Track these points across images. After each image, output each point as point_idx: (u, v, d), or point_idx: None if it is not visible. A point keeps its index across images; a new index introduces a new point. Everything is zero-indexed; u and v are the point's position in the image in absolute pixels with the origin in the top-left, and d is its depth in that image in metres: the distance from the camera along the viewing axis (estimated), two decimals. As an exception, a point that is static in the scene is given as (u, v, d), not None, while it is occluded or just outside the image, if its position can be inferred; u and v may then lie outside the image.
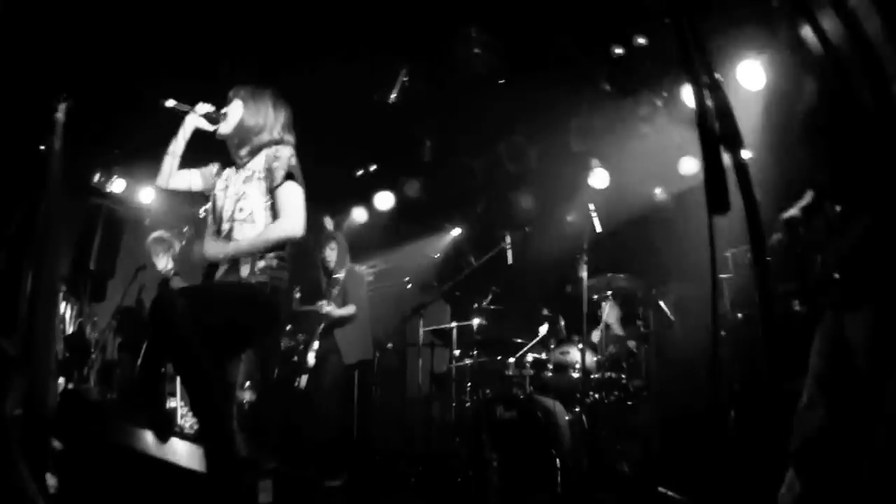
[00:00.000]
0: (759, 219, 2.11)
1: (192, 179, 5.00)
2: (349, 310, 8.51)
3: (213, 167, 5.04)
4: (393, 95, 8.24)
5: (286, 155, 4.59)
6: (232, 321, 4.47)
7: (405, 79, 8.26)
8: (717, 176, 2.20)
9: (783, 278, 5.83)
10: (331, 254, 8.67)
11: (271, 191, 4.55)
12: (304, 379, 8.13)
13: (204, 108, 4.78)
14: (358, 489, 7.68)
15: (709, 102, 2.36)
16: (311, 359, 8.12)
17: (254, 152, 4.75)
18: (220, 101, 4.88)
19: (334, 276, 8.52)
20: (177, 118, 4.83)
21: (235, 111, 4.78)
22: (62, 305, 9.16)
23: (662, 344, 7.91)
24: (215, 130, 4.80)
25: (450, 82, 8.26)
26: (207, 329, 4.25)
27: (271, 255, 4.53)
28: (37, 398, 3.32)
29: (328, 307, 8.31)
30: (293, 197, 4.51)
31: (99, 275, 9.77)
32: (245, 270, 4.48)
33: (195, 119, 4.79)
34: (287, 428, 8.36)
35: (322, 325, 8.30)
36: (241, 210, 4.60)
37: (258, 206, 4.59)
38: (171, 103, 4.75)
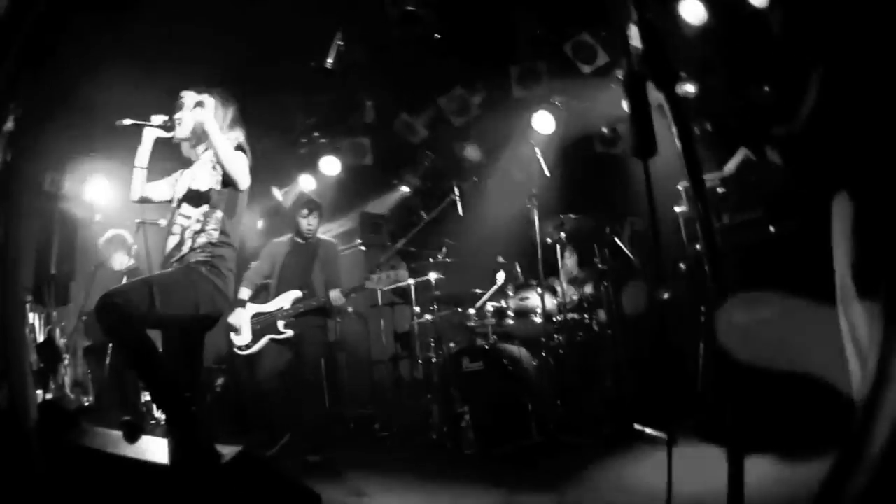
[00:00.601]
0: (695, 154, 2.10)
1: (161, 189, 5.24)
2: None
3: (178, 174, 5.27)
4: (329, 61, 8.14)
5: (232, 136, 4.96)
6: (178, 310, 4.57)
7: (340, 43, 8.17)
8: (642, 120, 2.20)
9: (743, 207, 5.91)
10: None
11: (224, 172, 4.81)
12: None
13: (158, 118, 5.05)
14: (335, 459, 7.68)
15: (638, 42, 2.35)
16: (280, 326, 7.97)
17: (207, 148, 5.04)
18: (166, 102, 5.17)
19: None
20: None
21: (187, 116, 5.04)
22: (29, 315, 9.05)
23: (621, 281, 7.97)
24: (172, 136, 5.09)
25: (385, 42, 8.18)
26: (158, 321, 4.51)
27: (213, 229, 4.78)
28: (18, 413, 3.29)
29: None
30: (242, 161, 4.87)
31: (61, 278, 9.63)
32: (186, 248, 4.73)
33: (152, 131, 5.04)
34: (264, 406, 8.29)
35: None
36: (190, 187, 4.92)
37: (204, 180, 4.91)
38: (126, 122, 5.00)
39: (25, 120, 3.99)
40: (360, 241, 10.85)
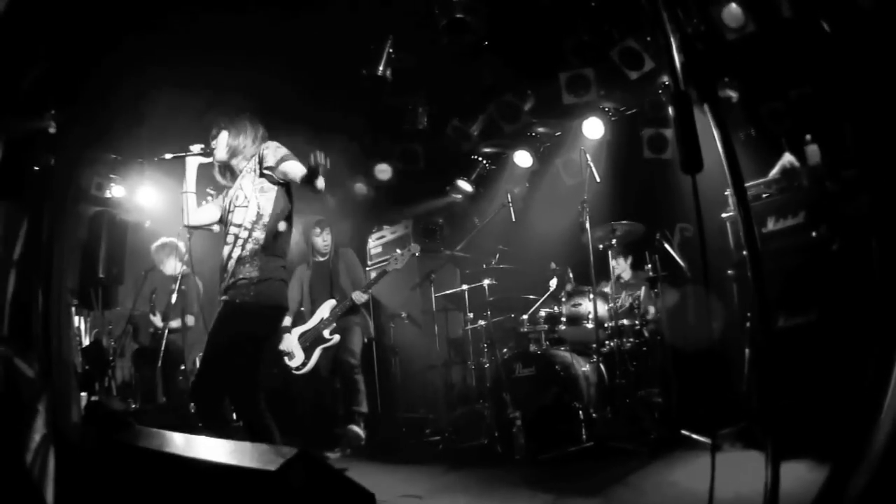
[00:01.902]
0: (738, 165, 2.15)
1: (211, 211, 5.60)
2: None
3: (223, 194, 5.63)
4: (380, 68, 8.23)
5: (273, 145, 5.27)
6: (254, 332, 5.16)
7: (390, 50, 8.26)
8: (689, 137, 2.24)
9: (785, 213, 5.89)
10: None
11: (265, 171, 5.20)
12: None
13: (197, 147, 5.52)
14: (387, 462, 7.77)
15: (681, 55, 2.39)
16: (326, 334, 8.23)
17: (243, 154, 5.45)
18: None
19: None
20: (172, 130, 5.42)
21: (222, 139, 5.42)
22: (75, 318, 9.22)
23: (674, 287, 7.95)
24: (212, 161, 5.50)
25: (435, 49, 8.24)
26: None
27: (261, 235, 5.14)
28: (60, 415, 3.37)
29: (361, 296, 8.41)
30: (294, 165, 5.08)
31: (108, 282, 9.78)
32: (235, 256, 5.14)
33: (194, 159, 5.50)
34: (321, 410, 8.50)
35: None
36: (237, 198, 5.24)
37: (250, 191, 5.19)
38: (168, 156, 5.55)
39: (68, 125, 4.10)
40: (414, 245, 10.91)
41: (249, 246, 5.09)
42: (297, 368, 8.33)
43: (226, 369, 4.99)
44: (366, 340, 8.76)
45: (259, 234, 5.11)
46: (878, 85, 2.90)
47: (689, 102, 2.35)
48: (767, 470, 2.19)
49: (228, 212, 5.29)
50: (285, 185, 5.27)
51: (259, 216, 5.13)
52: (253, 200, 5.15)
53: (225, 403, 5.39)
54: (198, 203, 5.58)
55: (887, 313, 2.60)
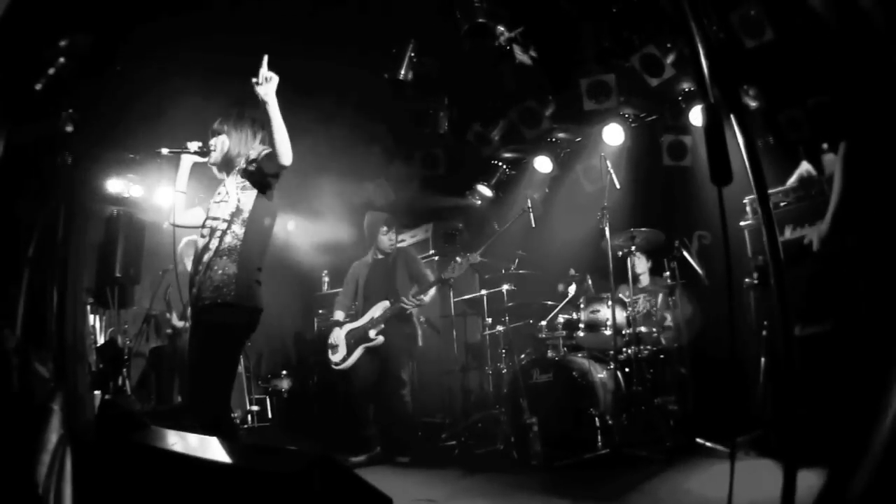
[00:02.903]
0: (762, 175, 2.14)
1: (199, 214, 5.56)
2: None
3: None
4: (402, 72, 8.26)
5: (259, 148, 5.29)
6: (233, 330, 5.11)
7: (412, 54, 8.28)
8: (718, 148, 2.24)
9: (802, 222, 5.88)
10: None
11: (249, 165, 5.22)
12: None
13: (194, 145, 5.33)
14: (405, 465, 7.79)
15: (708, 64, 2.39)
16: (371, 334, 8.24)
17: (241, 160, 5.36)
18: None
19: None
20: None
21: (222, 142, 5.34)
22: (91, 317, 9.26)
23: (691, 294, 7.94)
24: (207, 161, 5.38)
25: (457, 53, 8.27)
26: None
27: (240, 229, 5.09)
28: (74, 414, 3.39)
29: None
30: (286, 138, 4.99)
31: (125, 281, 9.84)
32: (212, 248, 5.09)
33: (189, 157, 5.38)
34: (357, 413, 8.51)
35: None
36: (219, 194, 5.27)
37: (232, 187, 5.20)
38: (164, 150, 5.35)
39: (85, 124, 4.12)
40: (433, 251, 10.90)
41: (228, 239, 5.03)
42: (337, 364, 8.35)
43: (217, 374, 4.97)
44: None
45: (238, 229, 5.06)
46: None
47: (720, 114, 2.36)
48: (783, 478, 2.19)
49: (209, 207, 5.29)
50: (265, 186, 5.22)
51: (238, 210, 5.09)
52: (234, 195, 5.13)
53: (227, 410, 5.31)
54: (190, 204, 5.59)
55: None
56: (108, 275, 9.69)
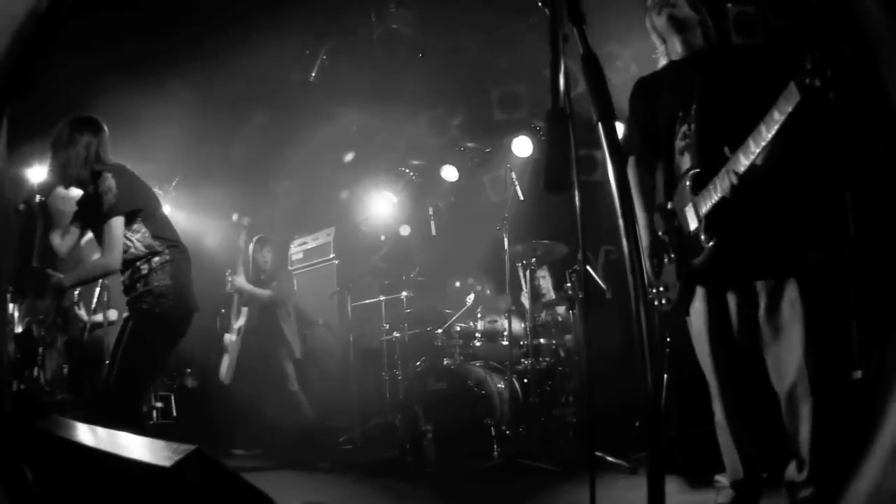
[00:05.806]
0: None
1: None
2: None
3: None
4: (312, 74, 8.21)
5: (111, 185, 5.02)
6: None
7: (324, 57, 8.23)
8: (558, 155, 2.22)
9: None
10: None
11: (99, 217, 5.10)
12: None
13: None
14: (300, 467, 7.71)
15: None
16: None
17: (81, 182, 5.27)
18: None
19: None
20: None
21: (50, 162, 5.22)
22: (10, 305, 9.08)
23: (593, 308, 7.98)
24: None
25: (370, 59, 8.24)
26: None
27: (158, 257, 5.14)
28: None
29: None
30: (115, 231, 5.06)
31: (41, 271, 9.65)
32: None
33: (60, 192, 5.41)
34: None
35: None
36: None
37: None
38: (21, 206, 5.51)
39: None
40: (332, 255, 10.85)
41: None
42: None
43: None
44: None
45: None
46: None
47: (567, 120, 2.34)
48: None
49: None
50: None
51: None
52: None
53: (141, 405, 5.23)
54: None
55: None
56: (27, 264, 9.51)
